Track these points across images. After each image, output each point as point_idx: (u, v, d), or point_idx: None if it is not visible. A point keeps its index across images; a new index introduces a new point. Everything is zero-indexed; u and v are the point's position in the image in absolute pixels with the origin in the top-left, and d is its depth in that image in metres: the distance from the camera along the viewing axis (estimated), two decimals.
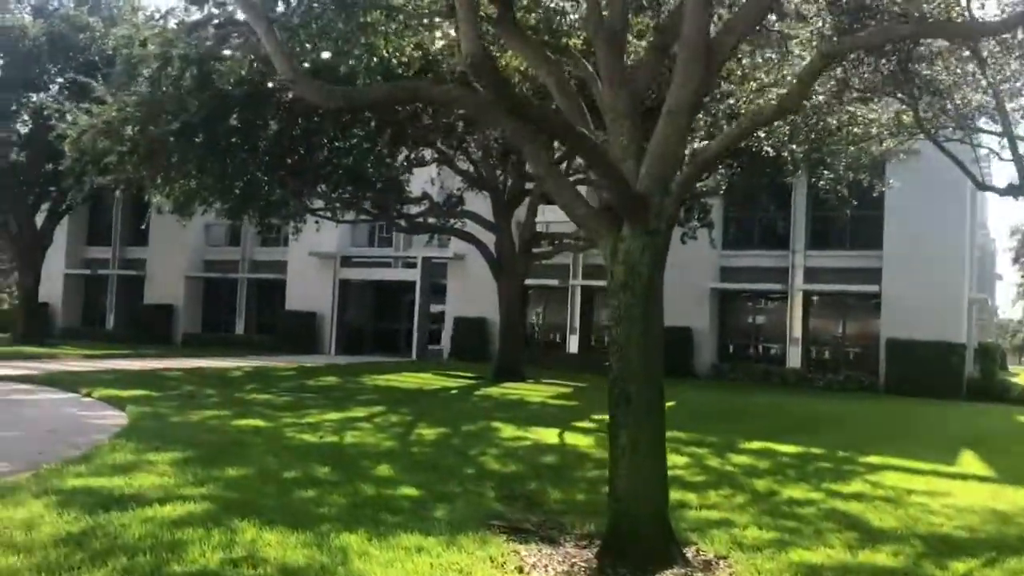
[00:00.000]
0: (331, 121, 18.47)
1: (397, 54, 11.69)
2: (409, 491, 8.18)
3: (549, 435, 12.96)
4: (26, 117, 29.09)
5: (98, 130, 18.43)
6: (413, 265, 34.03)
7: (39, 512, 5.97)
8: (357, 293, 36.40)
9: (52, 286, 39.60)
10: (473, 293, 32.44)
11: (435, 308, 34.86)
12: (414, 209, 24.33)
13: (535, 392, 20.32)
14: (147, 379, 18.78)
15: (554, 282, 31.28)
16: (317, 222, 25.79)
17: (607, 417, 14.85)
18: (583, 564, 6.39)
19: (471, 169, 22.98)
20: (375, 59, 11.25)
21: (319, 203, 23.64)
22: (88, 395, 15.17)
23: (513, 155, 21.57)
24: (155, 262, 39.51)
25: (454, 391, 20.10)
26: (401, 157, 21.52)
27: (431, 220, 24.57)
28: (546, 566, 6.31)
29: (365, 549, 5.98)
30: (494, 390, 20.37)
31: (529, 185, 22.95)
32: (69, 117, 20.48)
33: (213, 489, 7.33)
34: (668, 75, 7.71)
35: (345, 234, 34.96)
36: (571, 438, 12.82)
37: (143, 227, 37.79)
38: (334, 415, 13.96)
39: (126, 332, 38.84)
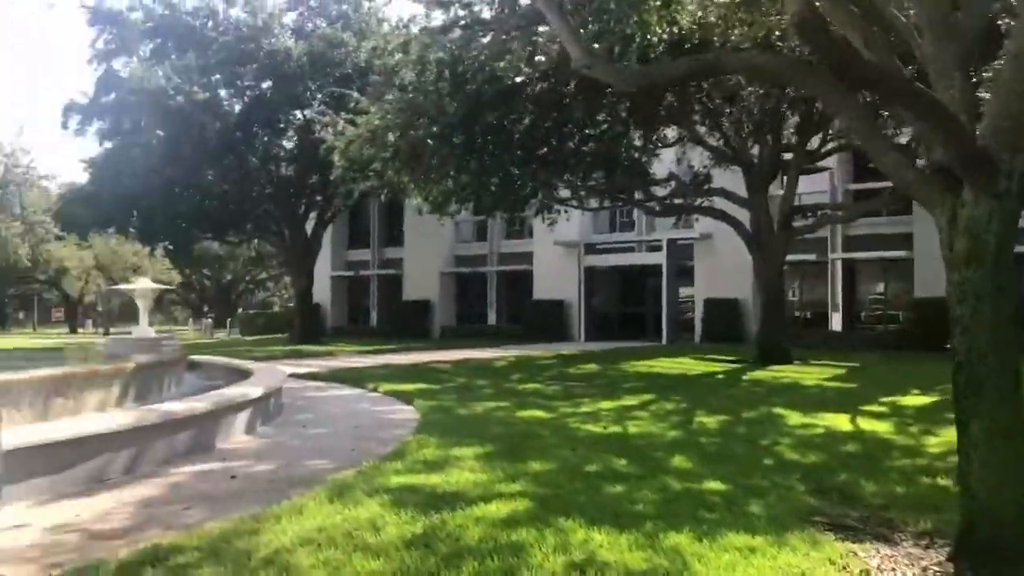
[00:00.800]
0: (581, 109, 18.40)
1: (671, 29, 11.30)
2: (715, 485, 7.81)
3: (840, 421, 12.09)
4: (291, 133, 31.49)
5: (363, 139, 19.44)
6: (657, 248, 33.54)
7: (378, 512, 6.16)
8: (602, 279, 36.46)
9: (320, 288, 42.75)
10: (722, 273, 31.47)
11: (682, 291, 34.19)
12: (659, 191, 23.81)
13: (806, 374, 19.24)
14: (421, 372, 19.64)
15: (812, 257, 29.66)
16: (565, 212, 25.91)
17: (899, 400, 13.51)
18: (936, 568, 5.75)
19: (721, 144, 22.08)
20: (649, 37, 10.94)
21: (565, 193, 23.76)
22: (374, 390, 16.02)
23: (767, 127, 20.56)
24: (411, 261, 41.60)
25: (720, 375, 19.45)
26: (648, 139, 21.01)
27: (678, 201, 23.89)
28: (892, 569, 5.73)
29: (698, 551, 5.68)
30: (761, 373, 19.51)
31: (787, 156, 21.76)
32: (332, 129, 21.87)
33: (525, 485, 7.32)
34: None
35: (587, 222, 35.08)
36: (865, 424, 11.90)
37: (397, 231, 40.05)
38: (607, 404, 13.83)
39: (387, 327, 41.25)
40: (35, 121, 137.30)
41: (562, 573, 4.99)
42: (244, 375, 13.62)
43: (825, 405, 13.80)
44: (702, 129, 21.72)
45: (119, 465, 7.80)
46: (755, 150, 22.13)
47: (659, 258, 33.28)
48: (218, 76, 29.56)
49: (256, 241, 42.31)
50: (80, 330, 72.72)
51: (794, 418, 12.40)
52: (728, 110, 20.51)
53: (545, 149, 19.55)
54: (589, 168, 20.54)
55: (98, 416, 8.01)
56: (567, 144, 19.50)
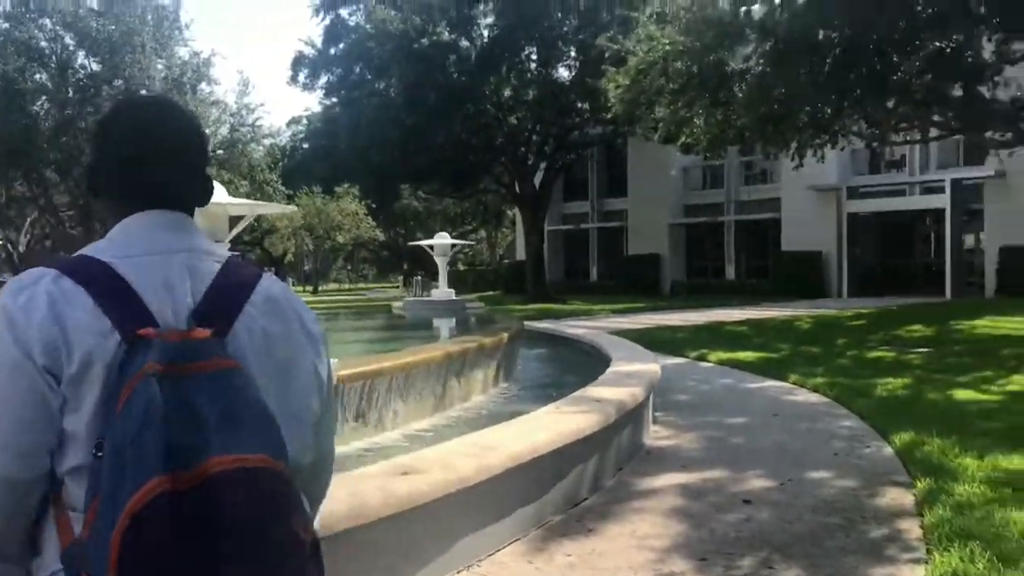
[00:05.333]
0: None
1: None
2: None
3: None
4: (532, 75, 29.25)
5: (655, 66, 16.90)
6: (938, 190, 29.24)
7: None
8: (867, 227, 32.45)
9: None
10: (1021, 217, 27.05)
11: (967, 239, 29.91)
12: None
13: None
14: (721, 335, 17.17)
15: None
16: (819, 152, 22.16)
17: None
18: None
19: None
20: None
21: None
22: (703, 359, 13.63)
23: None
24: (636, 212, 38.92)
25: None
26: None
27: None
28: None
29: None
30: None
31: None
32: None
33: None
34: None
35: (845, 163, 31.22)
36: None
37: (618, 180, 37.50)
38: (1017, 379, 10.84)
39: (611, 283, 38.93)
40: (260, 75, 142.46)
41: None
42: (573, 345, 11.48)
43: None
44: None
45: (588, 480, 5.70)
46: None
47: (941, 201, 28.99)
48: (453, 13, 27.62)
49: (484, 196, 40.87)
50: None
51: None
52: None
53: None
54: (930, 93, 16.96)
55: (537, 412, 5.93)
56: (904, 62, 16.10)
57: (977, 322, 18.97)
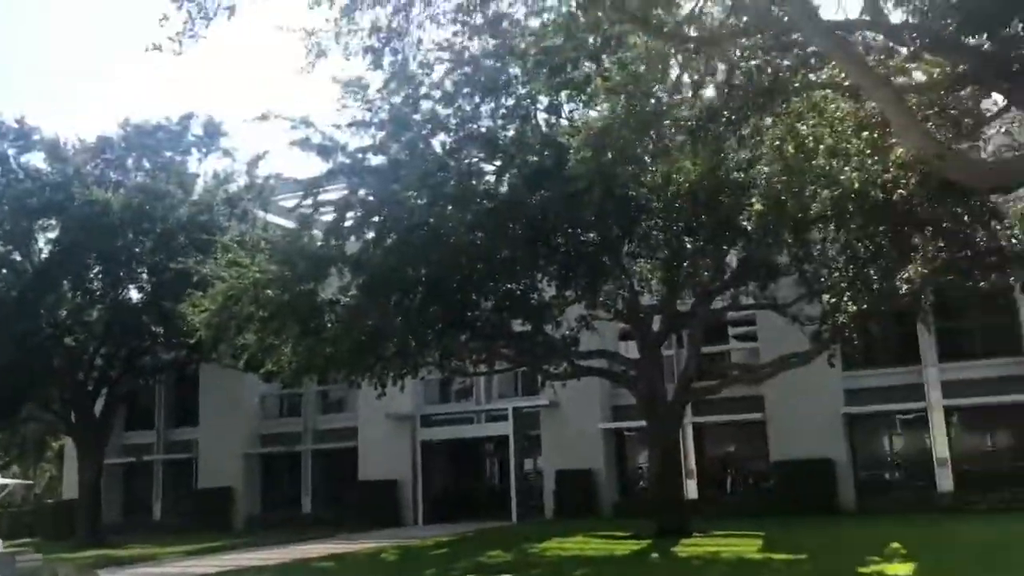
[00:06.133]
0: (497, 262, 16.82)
1: None
2: None
3: None
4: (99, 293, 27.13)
5: (248, 294, 16.57)
6: (501, 418, 31.58)
7: None
8: (440, 454, 33.71)
9: None
10: (573, 443, 30.08)
11: (528, 463, 32.39)
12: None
13: (726, 547, 17.83)
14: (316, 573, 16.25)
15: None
16: (401, 381, 23.15)
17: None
18: None
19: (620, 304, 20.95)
20: None
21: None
22: None
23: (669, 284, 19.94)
24: (207, 442, 36.60)
25: (654, 556, 17.59)
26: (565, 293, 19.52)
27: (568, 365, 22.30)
28: None
29: None
30: (693, 549, 17.89)
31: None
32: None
33: None
34: None
35: (419, 392, 32.69)
36: None
37: (188, 409, 35.70)
38: None
39: (177, 521, 35.55)
40: None
41: None
42: None
43: None
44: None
45: None
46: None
47: (504, 428, 31.29)
48: (8, 227, 24.94)
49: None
50: None
51: None
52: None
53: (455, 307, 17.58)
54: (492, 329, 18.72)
55: None
56: (481, 301, 17.68)
57: (546, 544, 20.24)
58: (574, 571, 15.30)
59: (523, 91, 19.07)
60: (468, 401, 33.50)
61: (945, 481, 25.67)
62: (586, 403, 29.88)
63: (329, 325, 17.16)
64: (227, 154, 30.45)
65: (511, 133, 19.29)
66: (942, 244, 14.82)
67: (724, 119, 9.00)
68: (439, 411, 33.41)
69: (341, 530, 29.55)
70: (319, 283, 16.79)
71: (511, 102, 19.47)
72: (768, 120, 10.07)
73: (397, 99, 19.06)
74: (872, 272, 17.08)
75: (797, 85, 9.15)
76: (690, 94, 10.21)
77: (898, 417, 27.80)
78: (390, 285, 15.50)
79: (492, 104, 19.48)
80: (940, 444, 26.02)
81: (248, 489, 35.92)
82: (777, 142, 10.50)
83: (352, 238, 16.28)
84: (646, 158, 13.04)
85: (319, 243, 16.24)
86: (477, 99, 19.34)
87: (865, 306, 17.12)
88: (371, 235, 15.66)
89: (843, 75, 8.95)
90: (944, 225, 14.05)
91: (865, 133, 10.35)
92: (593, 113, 18.54)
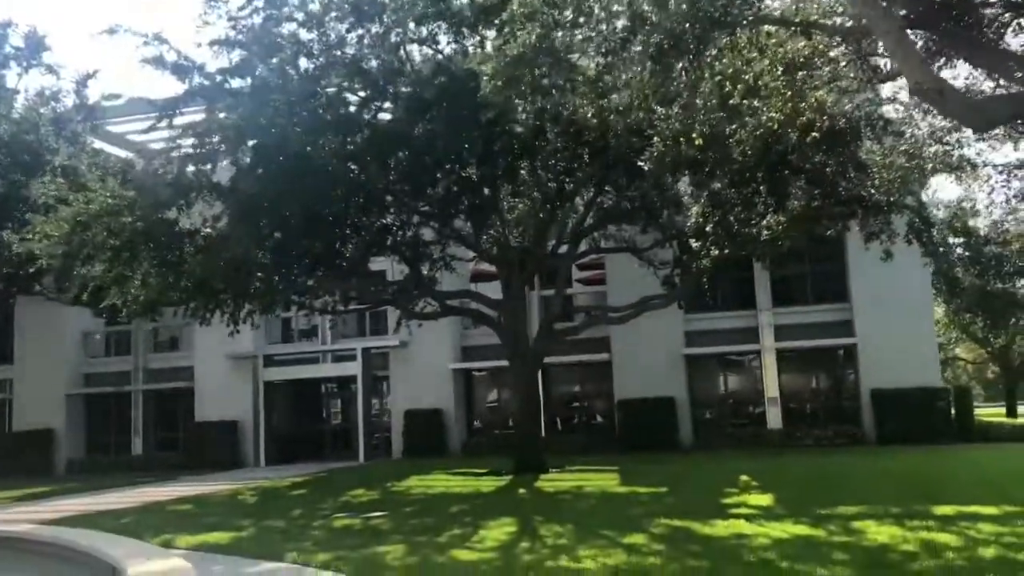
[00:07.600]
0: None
1: None
2: None
3: (772, 530, 11.34)
4: None
5: (102, 220, 15.23)
6: (349, 358, 31.04)
7: None
8: (284, 395, 32.79)
9: None
10: (423, 383, 30.15)
11: (376, 403, 32.08)
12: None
13: (589, 481, 18.43)
14: (176, 516, 15.37)
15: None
16: (253, 319, 22.40)
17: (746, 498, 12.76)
18: None
19: (489, 242, 20.85)
20: None
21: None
22: (172, 545, 11.92)
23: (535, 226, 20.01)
24: (24, 382, 34.08)
25: (521, 491, 17.83)
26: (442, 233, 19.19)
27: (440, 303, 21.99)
28: None
29: None
30: (556, 484, 18.29)
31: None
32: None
33: None
34: None
35: (260, 332, 31.54)
36: (796, 529, 11.28)
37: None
38: (485, 534, 11.74)
39: None
40: None
41: None
42: None
43: (694, 513, 12.85)
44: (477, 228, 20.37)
45: None
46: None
47: (352, 368, 30.76)
48: None
49: None
50: None
51: (709, 529, 11.39)
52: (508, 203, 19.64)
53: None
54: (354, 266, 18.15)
55: None
56: (354, 236, 17.07)
57: (408, 483, 20.13)
58: (449, 507, 15.25)
59: (393, 19, 18.41)
60: (313, 341, 32.74)
61: (775, 419, 27.52)
62: (436, 343, 29.88)
63: (189, 258, 16.12)
64: (51, 70, 27.85)
65: (375, 63, 18.62)
66: (816, 192, 15.58)
67: (685, 47, 8.89)
68: (283, 351, 32.47)
69: (175, 472, 28.42)
70: (183, 211, 15.67)
71: (380, 30, 18.76)
72: (713, 51, 10.08)
73: (259, 18, 17.98)
74: (733, 219, 17.70)
75: (751, 18, 9.18)
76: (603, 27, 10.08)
77: (733, 358, 29.50)
78: (264, 214, 14.64)
79: (360, 31, 18.70)
80: (771, 385, 27.81)
81: (71, 431, 33.85)
82: (699, 77, 10.54)
83: (223, 163, 15.20)
84: (553, 91, 12.84)
85: (189, 169, 15.05)
86: (345, 26, 18.51)
87: (726, 251, 17.74)
88: (247, 160, 14.65)
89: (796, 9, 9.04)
90: (824, 172, 14.78)
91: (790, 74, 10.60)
92: (470, 45, 18.24)
